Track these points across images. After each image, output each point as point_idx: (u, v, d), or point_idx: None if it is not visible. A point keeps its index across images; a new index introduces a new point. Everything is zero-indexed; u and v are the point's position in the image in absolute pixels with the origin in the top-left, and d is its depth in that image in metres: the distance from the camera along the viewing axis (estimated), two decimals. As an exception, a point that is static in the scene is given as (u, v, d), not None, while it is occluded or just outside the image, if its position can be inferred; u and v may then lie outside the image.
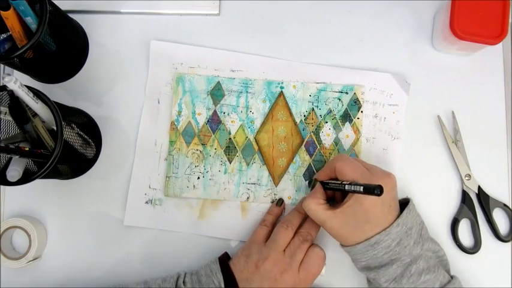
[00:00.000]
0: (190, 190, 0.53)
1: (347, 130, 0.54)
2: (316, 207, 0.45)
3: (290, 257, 0.45)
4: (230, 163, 0.53)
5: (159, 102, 0.54)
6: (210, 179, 0.53)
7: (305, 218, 0.49)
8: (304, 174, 0.53)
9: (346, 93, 0.54)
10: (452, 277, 0.44)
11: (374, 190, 0.38)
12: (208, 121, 0.54)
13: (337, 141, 0.53)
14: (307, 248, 0.46)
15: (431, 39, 0.56)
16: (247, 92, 0.54)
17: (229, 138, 0.53)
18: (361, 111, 0.54)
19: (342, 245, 0.46)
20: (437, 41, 0.54)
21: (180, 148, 0.53)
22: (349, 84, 0.54)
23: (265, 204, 0.53)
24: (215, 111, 0.54)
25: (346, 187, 0.43)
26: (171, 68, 0.54)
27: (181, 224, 0.52)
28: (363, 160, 0.47)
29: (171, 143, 0.53)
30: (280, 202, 0.52)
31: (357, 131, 0.53)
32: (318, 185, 0.48)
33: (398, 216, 0.44)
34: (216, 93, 0.54)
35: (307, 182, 0.53)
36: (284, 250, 0.45)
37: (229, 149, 0.53)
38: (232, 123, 0.54)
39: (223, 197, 0.53)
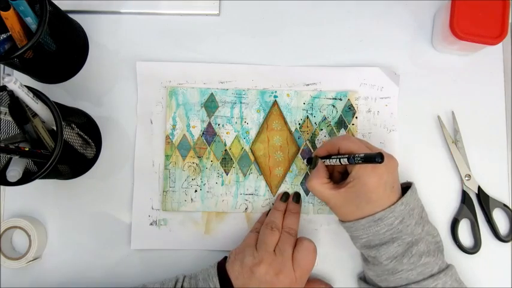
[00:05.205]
0: (188, 203, 0.53)
1: None
2: (321, 186, 0.46)
3: (281, 256, 0.45)
4: (227, 175, 0.53)
5: (152, 123, 0.54)
6: (208, 192, 0.53)
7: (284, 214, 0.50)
8: (301, 182, 0.53)
9: (340, 99, 0.54)
10: (449, 264, 0.45)
11: (375, 158, 0.39)
12: (203, 133, 0.54)
13: None
14: (293, 241, 0.46)
15: (431, 39, 0.56)
16: (241, 102, 0.54)
17: (225, 150, 0.53)
18: (356, 117, 0.54)
19: (342, 222, 0.47)
20: (437, 41, 0.54)
21: (176, 162, 0.53)
22: (343, 90, 0.54)
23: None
24: (210, 123, 0.54)
25: (347, 161, 0.43)
26: (160, 86, 0.54)
27: (189, 242, 0.52)
28: (367, 141, 0.47)
29: (167, 157, 0.53)
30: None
31: None
32: (321, 164, 0.48)
33: (400, 198, 0.44)
34: (210, 105, 0.54)
35: (305, 160, 0.53)
36: (274, 250, 0.45)
37: (226, 161, 0.53)
38: (227, 135, 0.54)
39: (222, 209, 0.53)
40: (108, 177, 0.54)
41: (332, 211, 0.47)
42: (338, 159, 0.45)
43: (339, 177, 0.49)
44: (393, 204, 0.43)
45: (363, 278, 0.50)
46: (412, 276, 0.43)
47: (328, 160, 0.47)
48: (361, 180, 0.43)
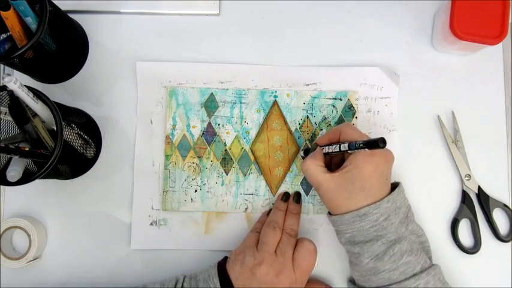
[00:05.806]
0: (188, 203, 0.53)
1: None
2: (316, 168, 0.45)
3: (282, 256, 0.45)
4: (227, 175, 0.53)
5: (152, 123, 0.54)
6: (208, 192, 0.53)
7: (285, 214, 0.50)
8: (301, 182, 0.53)
9: (340, 99, 0.54)
10: (433, 264, 0.45)
11: (377, 143, 0.39)
12: (203, 133, 0.54)
13: None
14: (294, 242, 0.46)
15: (431, 39, 0.56)
16: (241, 102, 0.54)
17: (225, 150, 0.53)
18: (356, 117, 0.54)
19: (329, 215, 0.47)
20: (437, 41, 0.54)
21: (176, 162, 0.53)
22: (343, 90, 0.54)
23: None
24: (210, 123, 0.54)
25: (347, 146, 0.43)
26: (160, 86, 0.54)
27: (188, 242, 0.52)
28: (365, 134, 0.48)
29: (167, 157, 0.53)
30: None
31: None
32: (319, 149, 0.48)
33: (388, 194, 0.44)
34: (210, 105, 0.54)
35: (302, 151, 0.53)
36: (275, 251, 0.45)
37: (226, 161, 0.53)
38: (227, 135, 0.54)
39: (222, 209, 0.53)
40: (108, 177, 0.54)
41: (322, 199, 0.47)
42: (338, 146, 0.44)
43: (334, 169, 0.48)
44: (380, 200, 0.43)
45: (352, 280, 0.50)
46: (394, 276, 0.43)
47: (327, 147, 0.47)
48: (359, 165, 0.43)
